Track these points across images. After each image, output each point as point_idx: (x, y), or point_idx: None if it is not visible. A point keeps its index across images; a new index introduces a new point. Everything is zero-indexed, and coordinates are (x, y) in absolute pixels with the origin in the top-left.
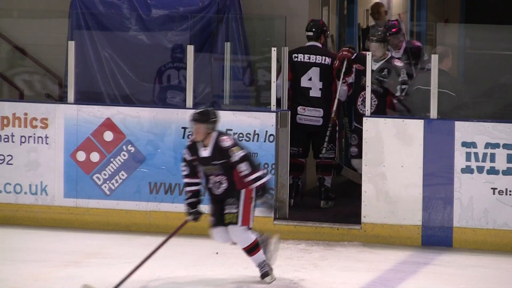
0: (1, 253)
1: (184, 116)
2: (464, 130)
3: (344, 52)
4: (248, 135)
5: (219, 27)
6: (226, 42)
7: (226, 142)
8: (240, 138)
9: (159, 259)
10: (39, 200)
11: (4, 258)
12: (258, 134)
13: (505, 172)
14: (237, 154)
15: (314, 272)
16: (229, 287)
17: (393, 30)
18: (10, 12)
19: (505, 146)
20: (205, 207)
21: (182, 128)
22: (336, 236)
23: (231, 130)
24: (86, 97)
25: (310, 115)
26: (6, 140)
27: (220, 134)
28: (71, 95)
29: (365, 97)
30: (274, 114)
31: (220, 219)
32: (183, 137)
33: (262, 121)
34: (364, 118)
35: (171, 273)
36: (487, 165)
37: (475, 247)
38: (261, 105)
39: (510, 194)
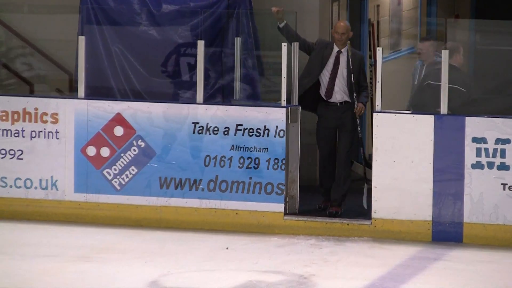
0: (11, 248)
1: (194, 111)
2: (474, 125)
3: None
4: (258, 130)
5: (230, 22)
6: (236, 38)
7: None
8: (251, 134)
9: (170, 254)
10: (49, 195)
11: (15, 253)
12: (268, 130)
13: None
14: None
15: (324, 267)
16: (239, 282)
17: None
18: (21, 7)
19: None
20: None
21: (193, 123)
22: (346, 231)
23: (241, 125)
24: (96, 92)
25: None
26: (16, 135)
27: None
28: (81, 90)
29: None
30: (285, 109)
31: None
32: (193, 132)
33: (273, 117)
34: (374, 114)
35: (182, 268)
36: (497, 160)
37: (485, 242)
38: (272, 100)
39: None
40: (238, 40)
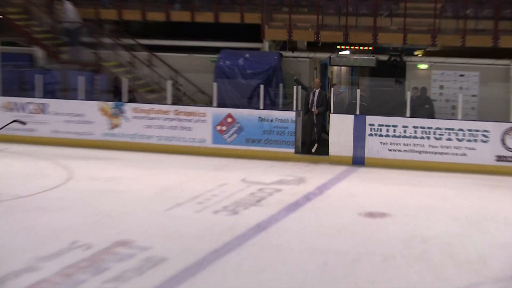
0: (183, 164)
1: (259, 112)
2: (370, 119)
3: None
4: (284, 120)
5: (273, 77)
6: (278, 83)
7: None
8: (282, 121)
9: (249, 168)
10: (201, 144)
11: (182, 167)
12: (288, 120)
13: (385, 136)
14: None
15: (310, 174)
16: (277, 179)
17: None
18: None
19: (386, 125)
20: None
21: (259, 117)
22: (319, 160)
23: (278, 118)
24: (221, 104)
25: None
26: (189, 121)
27: None
28: (214, 103)
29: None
30: (295, 112)
31: None
32: (258, 121)
33: (290, 114)
34: (330, 114)
35: (254, 174)
36: (379, 133)
37: (374, 165)
38: (290, 107)
39: (383, 144)
40: (280, 85)
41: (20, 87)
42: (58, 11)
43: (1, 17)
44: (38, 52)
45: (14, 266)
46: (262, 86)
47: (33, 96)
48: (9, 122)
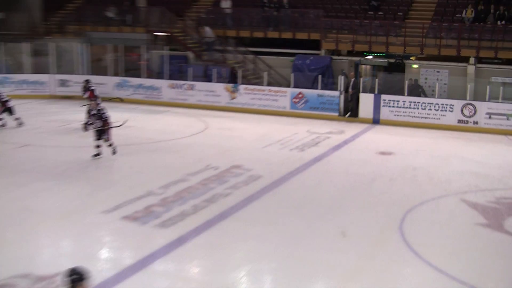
0: (271, 121)
1: (317, 91)
2: (383, 96)
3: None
4: (332, 96)
5: (327, 71)
6: (330, 75)
7: None
8: (331, 97)
9: (306, 124)
10: (283, 110)
11: (270, 123)
12: (335, 96)
13: (392, 106)
14: None
15: (347, 128)
16: (326, 131)
17: None
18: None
19: (392, 100)
20: None
21: (317, 94)
22: (353, 120)
23: (328, 94)
24: (295, 86)
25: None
26: (276, 96)
27: None
28: (292, 84)
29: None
30: (338, 91)
31: None
32: (317, 96)
33: (336, 93)
34: (360, 94)
35: (312, 127)
36: (389, 105)
37: (385, 124)
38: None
39: (390, 111)
40: (340, 77)
41: (179, 75)
42: (201, 31)
43: (169, 34)
44: (190, 55)
45: (174, 178)
46: (320, 76)
47: (186, 80)
48: (121, 123)
